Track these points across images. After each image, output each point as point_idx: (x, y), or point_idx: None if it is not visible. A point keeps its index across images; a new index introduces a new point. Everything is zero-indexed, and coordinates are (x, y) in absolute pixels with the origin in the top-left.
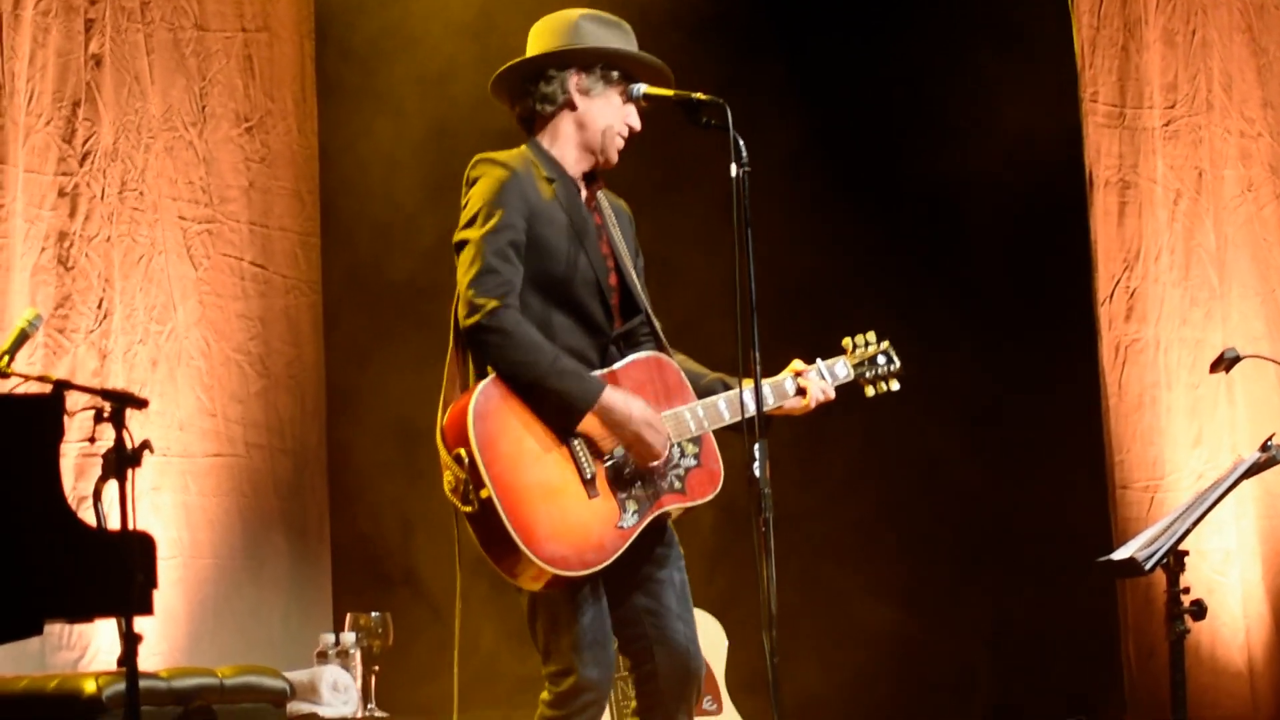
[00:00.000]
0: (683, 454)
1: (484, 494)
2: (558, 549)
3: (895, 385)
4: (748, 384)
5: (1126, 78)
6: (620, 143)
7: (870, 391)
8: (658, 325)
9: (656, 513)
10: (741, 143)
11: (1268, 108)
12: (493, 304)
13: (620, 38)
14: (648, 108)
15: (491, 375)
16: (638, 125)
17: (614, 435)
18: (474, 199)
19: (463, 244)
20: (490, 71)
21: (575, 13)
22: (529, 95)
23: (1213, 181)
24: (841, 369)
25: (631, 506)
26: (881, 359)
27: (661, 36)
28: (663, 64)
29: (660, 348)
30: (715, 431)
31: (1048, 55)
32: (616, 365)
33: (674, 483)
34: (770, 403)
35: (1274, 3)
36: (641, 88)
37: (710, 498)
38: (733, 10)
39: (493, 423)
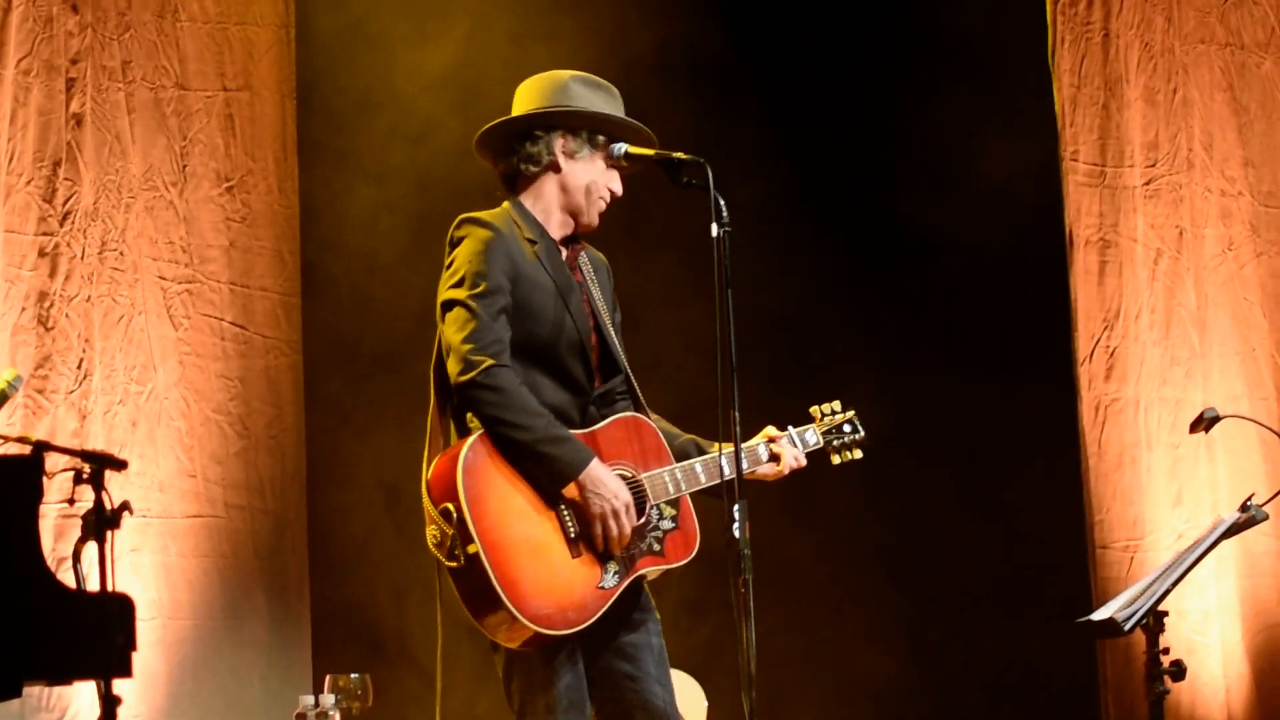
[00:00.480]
0: (661, 516)
1: (471, 549)
2: (542, 607)
3: (859, 454)
4: (726, 447)
5: (1107, 136)
6: (602, 206)
7: (836, 460)
8: (636, 385)
9: (635, 574)
10: (722, 202)
11: (1248, 166)
12: (489, 361)
13: (609, 102)
14: (628, 167)
15: (479, 431)
16: (619, 190)
17: (590, 506)
18: (459, 260)
19: (451, 303)
20: (471, 126)
21: (565, 74)
22: (514, 154)
23: (1193, 240)
24: (811, 436)
25: (612, 568)
26: (847, 427)
27: (638, 81)
28: (649, 131)
29: (638, 408)
30: (690, 495)
31: (1029, 113)
32: (597, 426)
33: (653, 545)
34: (744, 467)
35: (1255, 61)
36: (623, 147)
37: (686, 561)
38: (713, 62)
39: (481, 478)
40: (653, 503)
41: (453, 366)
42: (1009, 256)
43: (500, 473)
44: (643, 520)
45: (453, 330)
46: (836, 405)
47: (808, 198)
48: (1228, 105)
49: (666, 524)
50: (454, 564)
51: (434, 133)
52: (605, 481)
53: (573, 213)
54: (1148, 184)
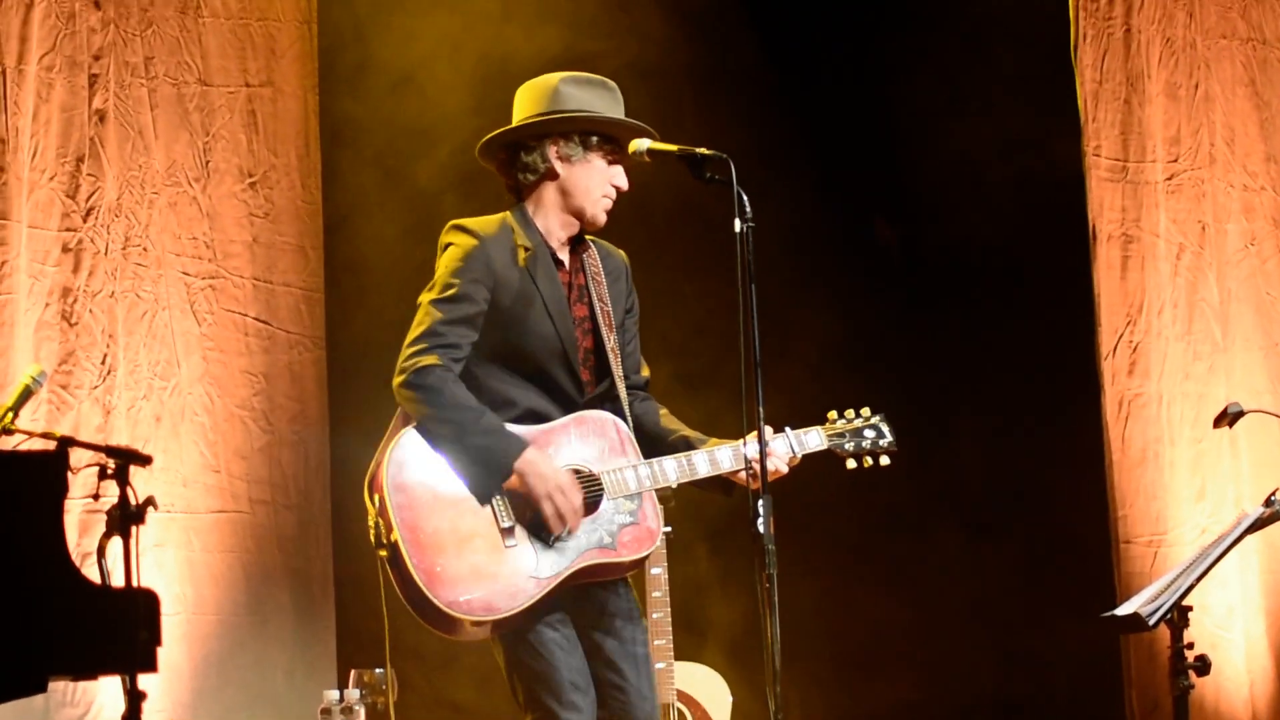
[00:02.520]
0: (617, 511)
1: (393, 536)
2: (461, 593)
3: (885, 460)
4: (715, 444)
5: (1129, 131)
6: (607, 204)
7: (851, 464)
8: (621, 388)
9: (580, 565)
10: (745, 198)
11: (1270, 161)
12: (426, 361)
13: (603, 98)
14: (650, 163)
15: (413, 425)
16: (625, 185)
17: (531, 491)
18: (440, 265)
19: (418, 307)
20: (494, 119)
21: (556, 77)
22: (513, 164)
23: (1215, 235)
24: (814, 438)
25: (551, 557)
26: (870, 432)
27: (647, 78)
28: (645, 125)
29: (617, 410)
30: (703, 488)
31: (1051, 108)
32: (554, 423)
33: (603, 538)
34: (748, 464)
35: (1277, 56)
36: (645, 144)
37: (643, 555)
38: (735, 57)
39: (408, 469)
40: (610, 497)
41: (395, 368)
42: (1033, 251)
43: (430, 464)
44: (594, 514)
45: (409, 332)
46: (865, 411)
47: (828, 190)
48: (1249, 100)
49: (623, 518)
50: (383, 553)
51: (455, 124)
52: (539, 466)
53: (575, 214)
54: (1170, 179)
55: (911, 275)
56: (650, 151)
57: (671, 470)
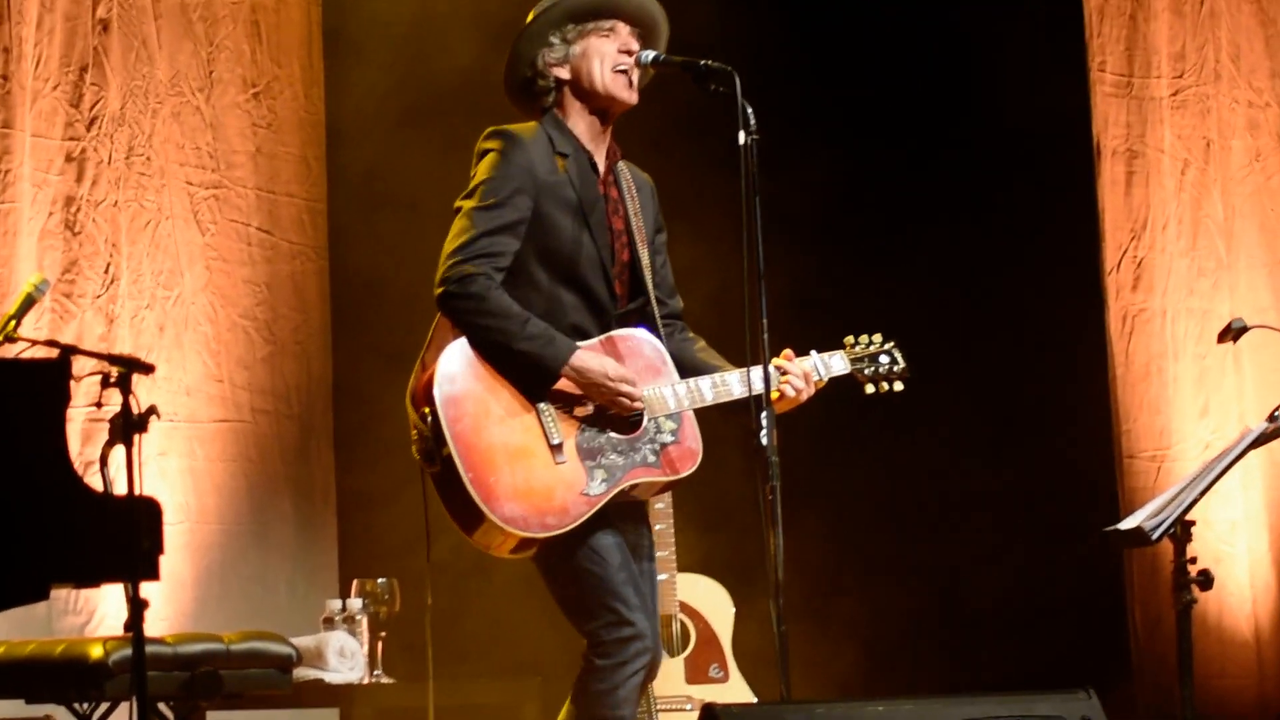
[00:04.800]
0: (659, 430)
1: (445, 452)
2: (516, 509)
3: (899, 386)
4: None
5: (1134, 47)
6: (623, 76)
7: (870, 389)
8: (656, 308)
9: (626, 484)
10: (750, 110)
11: (1276, 78)
12: (468, 270)
13: None
14: (655, 73)
15: (462, 339)
16: (634, 47)
17: (590, 395)
18: (480, 171)
19: (456, 211)
20: (493, 27)
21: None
22: (532, 97)
23: (1220, 152)
24: (838, 363)
25: (600, 475)
26: (885, 359)
27: None
28: None
29: (653, 329)
30: (723, 412)
31: (1056, 23)
32: (593, 340)
33: (648, 456)
34: (742, 391)
35: None
36: (649, 55)
37: (687, 474)
38: None
39: (459, 383)
40: (650, 416)
41: (436, 277)
42: (1036, 166)
43: (481, 379)
44: (638, 432)
45: (448, 239)
46: (877, 337)
47: (832, 107)
48: (1255, 16)
49: (665, 437)
50: (433, 469)
51: (465, 34)
52: (590, 364)
53: (600, 107)
54: (1175, 95)
55: (912, 191)
56: (655, 62)
57: (707, 390)
